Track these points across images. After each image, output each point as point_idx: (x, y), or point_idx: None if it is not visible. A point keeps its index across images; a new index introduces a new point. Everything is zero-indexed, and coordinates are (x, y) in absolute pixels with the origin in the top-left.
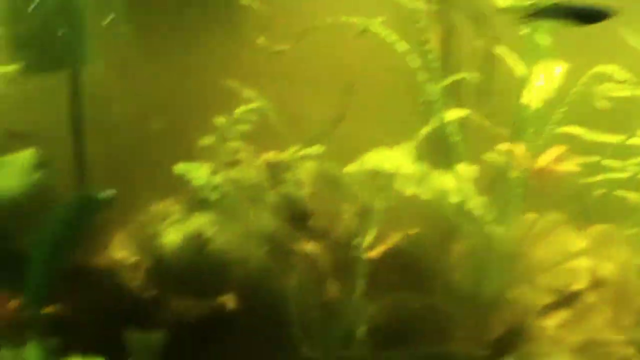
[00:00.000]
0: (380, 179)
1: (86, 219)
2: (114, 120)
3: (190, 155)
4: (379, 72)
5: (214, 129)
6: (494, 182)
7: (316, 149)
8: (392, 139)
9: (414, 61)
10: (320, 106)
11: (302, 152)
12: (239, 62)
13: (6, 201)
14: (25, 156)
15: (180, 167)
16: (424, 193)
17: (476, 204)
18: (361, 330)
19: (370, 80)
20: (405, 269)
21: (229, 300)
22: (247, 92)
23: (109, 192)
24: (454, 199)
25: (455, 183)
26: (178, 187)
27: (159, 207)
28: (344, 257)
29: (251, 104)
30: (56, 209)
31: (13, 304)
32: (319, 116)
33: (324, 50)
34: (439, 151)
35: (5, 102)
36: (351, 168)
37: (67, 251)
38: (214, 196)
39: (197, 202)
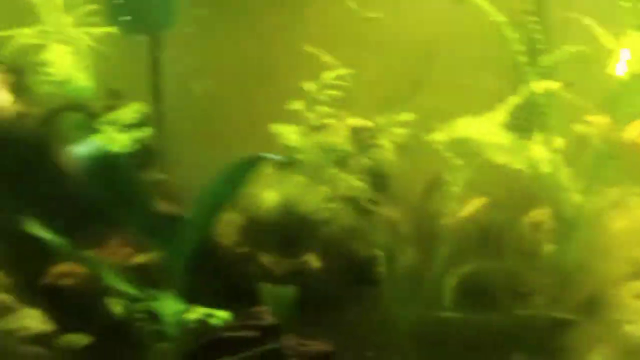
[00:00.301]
0: (467, 147)
1: (245, 178)
2: (205, 85)
3: (278, 118)
4: (464, 40)
5: (299, 93)
6: (579, 154)
7: (405, 116)
8: (474, 108)
9: (512, 33)
10: (403, 73)
11: (390, 119)
12: (324, 28)
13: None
14: (132, 112)
15: (275, 128)
16: (515, 162)
17: (564, 174)
18: (447, 293)
19: (455, 49)
20: (487, 236)
21: (313, 259)
22: (330, 59)
23: (274, 155)
24: (544, 169)
25: (547, 153)
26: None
27: None
28: (426, 223)
29: (336, 70)
30: (222, 169)
31: (128, 251)
32: (402, 83)
33: (410, 18)
34: (522, 121)
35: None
36: (439, 136)
37: (222, 209)
38: (304, 158)
39: (287, 164)
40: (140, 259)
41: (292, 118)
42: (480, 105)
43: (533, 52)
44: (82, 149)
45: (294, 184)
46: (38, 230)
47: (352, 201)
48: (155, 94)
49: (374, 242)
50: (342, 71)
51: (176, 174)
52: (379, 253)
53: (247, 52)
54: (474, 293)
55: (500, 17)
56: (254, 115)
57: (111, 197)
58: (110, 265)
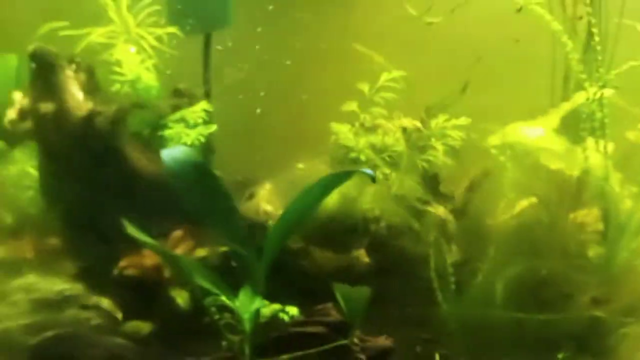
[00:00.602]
0: (517, 149)
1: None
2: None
3: (330, 117)
4: (518, 44)
5: (352, 93)
6: (631, 160)
7: (462, 120)
8: (525, 111)
9: (567, 42)
10: (454, 75)
11: (444, 122)
12: (376, 29)
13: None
14: (198, 111)
15: (333, 127)
16: (567, 167)
17: (615, 180)
18: (496, 293)
19: (508, 51)
20: (534, 235)
21: (363, 255)
22: (382, 59)
23: (367, 170)
24: (596, 174)
25: (599, 159)
26: (318, 147)
27: (305, 165)
28: (474, 223)
29: (388, 70)
30: (321, 179)
31: (190, 244)
32: (450, 86)
33: (465, 21)
34: (571, 126)
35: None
36: (494, 140)
37: (307, 218)
38: (359, 157)
39: (341, 162)
40: (201, 252)
41: (345, 117)
42: (531, 109)
43: (588, 58)
44: (169, 152)
45: (348, 182)
46: (128, 227)
47: (403, 200)
48: (207, 92)
49: (423, 240)
50: (396, 73)
51: (227, 172)
52: (429, 251)
53: (299, 50)
54: (521, 292)
55: (556, 24)
56: (305, 114)
57: (199, 200)
58: (187, 259)
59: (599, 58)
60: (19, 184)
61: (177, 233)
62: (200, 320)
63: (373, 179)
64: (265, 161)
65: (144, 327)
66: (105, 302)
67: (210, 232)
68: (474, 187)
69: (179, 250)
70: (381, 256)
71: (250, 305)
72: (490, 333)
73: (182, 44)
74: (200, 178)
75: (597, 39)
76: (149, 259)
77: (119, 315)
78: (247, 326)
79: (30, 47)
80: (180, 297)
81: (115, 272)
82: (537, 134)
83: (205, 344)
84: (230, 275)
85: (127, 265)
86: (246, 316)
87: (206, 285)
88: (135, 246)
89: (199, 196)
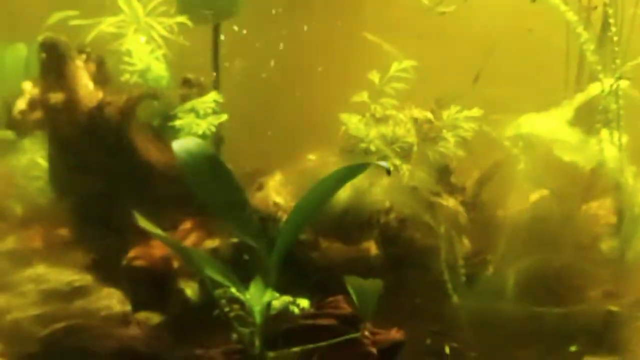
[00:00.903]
0: (529, 141)
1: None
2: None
3: (340, 108)
4: (531, 34)
5: (363, 83)
6: None
7: (475, 112)
8: (537, 102)
9: (582, 33)
10: (466, 66)
11: (456, 113)
12: (386, 19)
13: None
14: (208, 101)
15: (344, 117)
16: (581, 159)
17: (629, 172)
18: (507, 285)
19: (521, 42)
20: (545, 227)
21: (373, 246)
22: (393, 49)
23: (382, 163)
24: (609, 165)
25: (613, 150)
26: (327, 138)
27: (318, 156)
28: (486, 215)
29: (398, 61)
30: (331, 173)
31: (199, 235)
32: (465, 76)
33: (478, 11)
34: (585, 118)
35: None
36: (506, 132)
37: (320, 210)
38: (369, 148)
39: (350, 153)
40: (210, 243)
41: (355, 108)
42: (545, 100)
43: (603, 50)
44: (181, 143)
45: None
46: (140, 218)
47: (414, 192)
48: (216, 82)
49: (434, 232)
50: (407, 63)
51: (236, 163)
52: (439, 243)
53: (308, 41)
54: (532, 285)
55: (571, 14)
56: (315, 105)
57: (212, 192)
58: (198, 250)
59: (616, 49)
60: (28, 174)
61: (186, 224)
62: (209, 312)
63: (388, 172)
64: (274, 153)
65: (153, 318)
66: (115, 293)
67: (222, 224)
68: (485, 179)
69: (188, 242)
70: (391, 248)
71: (261, 298)
72: (501, 326)
73: (191, 34)
74: (213, 170)
75: (614, 29)
76: (158, 250)
77: (128, 307)
78: (258, 318)
79: (41, 37)
80: (189, 289)
81: (124, 263)
82: (551, 125)
83: (214, 336)
84: (241, 268)
85: (135, 256)
86: (257, 308)
87: (217, 277)
88: (144, 237)
89: (212, 189)
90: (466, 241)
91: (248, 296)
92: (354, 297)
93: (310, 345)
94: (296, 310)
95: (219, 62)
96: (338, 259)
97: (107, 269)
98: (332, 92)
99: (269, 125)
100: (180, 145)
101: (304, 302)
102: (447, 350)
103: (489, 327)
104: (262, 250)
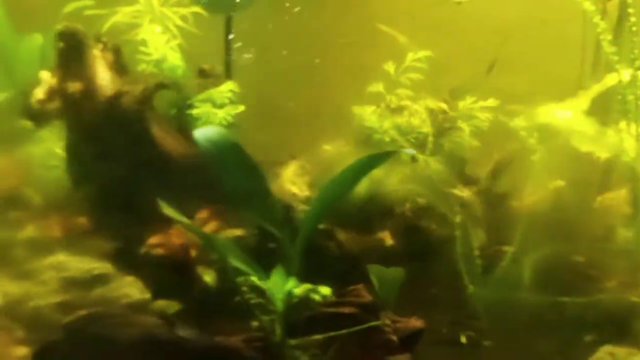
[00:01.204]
0: (545, 131)
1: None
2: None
3: (353, 99)
4: (546, 24)
5: (377, 74)
6: None
7: (490, 102)
8: (553, 94)
9: (600, 23)
10: (480, 56)
11: (471, 104)
12: (400, 10)
13: None
14: (224, 91)
15: (356, 109)
16: (597, 150)
17: None
18: (522, 275)
19: (536, 32)
20: (561, 218)
21: (387, 237)
22: (407, 40)
23: (408, 150)
24: (626, 156)
25: (630, 141)
26: (342, 129)
27: (333, 146)
28: (501, 205)
29: (413, 51)
30: (354, 162)
31: (217, 224)
32: (479, 66)
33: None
34: (601, 108)
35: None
36: (521, 121)
37: (343, 199)
38: (384, 138)
39: (364, 144)
40: (236, 232)
41: (370, 99)
42: (561, 91)
43: (620, 40)
44: (203, 132)
45: None
46: (164, 206)
47: (429, 182)
48: (228, 73)
49: (450, 223)
50: (422, 53)
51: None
52: (455, 233)
53: (321, 31)
54: (547, 275)
55: (588, 4)
56: (328, 96)
57: (236, 181)
58: (220, 238)
59: (634, 39)
60: (46, 163)
61: (202, 214)
62: (229, 300)
63: (414, 159)
64: (289, 143)
65: (173, 305)
66: (134, 281)
67: (244, 213)
68: (500, 170)
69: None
70: (406, 238)
71: (283, 285)
72: (516, 315)
73: (204, 24)
74: (237, 158)
75: (633, 19)
76: (177, 238)
77: (148, 294)
78: (280, 306)
79: (59, 27)
80: (208, 276)
81: (143, 250)
82: (567, 116)
83: (233, 324)
84: (262, 256)
85: (155, 244)
86: (279, 296)
87: (239, 264)
88: (162, 225)
89: (236, 177)
90: (480, 232)
91: (270, 284)
92: (376, 285)
93: (332, 333)
94: (317, 298)
95: (232, 53)
96: (354, 248)
97: (127, 257)
98: (348, 83)
99: (284, 115)
100: (202, 134)
101: (326, 290)
102: (463, 339)
103: (504, 317)
104: (285, 238)
